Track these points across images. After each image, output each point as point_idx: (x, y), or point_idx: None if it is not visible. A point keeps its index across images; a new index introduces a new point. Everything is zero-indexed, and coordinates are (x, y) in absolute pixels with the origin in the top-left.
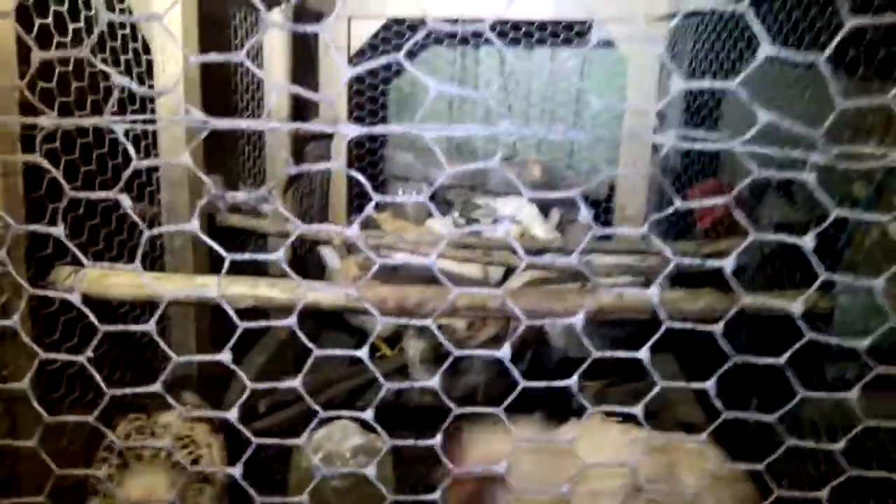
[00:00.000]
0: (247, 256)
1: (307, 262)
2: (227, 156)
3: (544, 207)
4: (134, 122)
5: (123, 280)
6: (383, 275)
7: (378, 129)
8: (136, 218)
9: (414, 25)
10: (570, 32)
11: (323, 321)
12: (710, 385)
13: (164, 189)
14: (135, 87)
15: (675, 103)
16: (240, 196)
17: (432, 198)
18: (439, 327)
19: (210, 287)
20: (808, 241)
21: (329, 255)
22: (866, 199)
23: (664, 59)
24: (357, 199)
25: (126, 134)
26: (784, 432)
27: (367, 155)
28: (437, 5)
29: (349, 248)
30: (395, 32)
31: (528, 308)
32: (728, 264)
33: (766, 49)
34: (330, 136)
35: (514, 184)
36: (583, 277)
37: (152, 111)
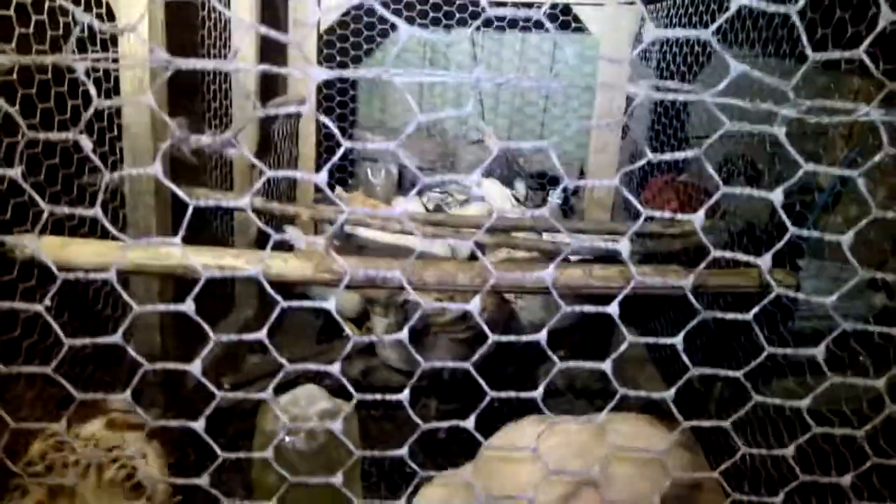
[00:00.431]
0: (211, 202)
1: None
2: (192, 101)
3: (509, 182)
4: (96, 60)
5: (85, 249)
6: (350, 251)
7: (348, 73)
8: (96, 161)
9: (386, 3)
10: (541, 15)
11: (287, 299)
12: (677, 340)
13: (125, 136)
14: (96, 23)
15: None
16: (204, 139)
17: (400, 179)
18: (405, 304)
19: (173, 256)
20: (777, 196)
21: (294, 233)
22: (830, 187)
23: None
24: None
25: (87, 74)
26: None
27: (334, 136)
28: None
29: (316, 228)
30: (365, 11)
31: (498, 281)
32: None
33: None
34: (298, 117)
35: (482, 164)
36: (555, 257)
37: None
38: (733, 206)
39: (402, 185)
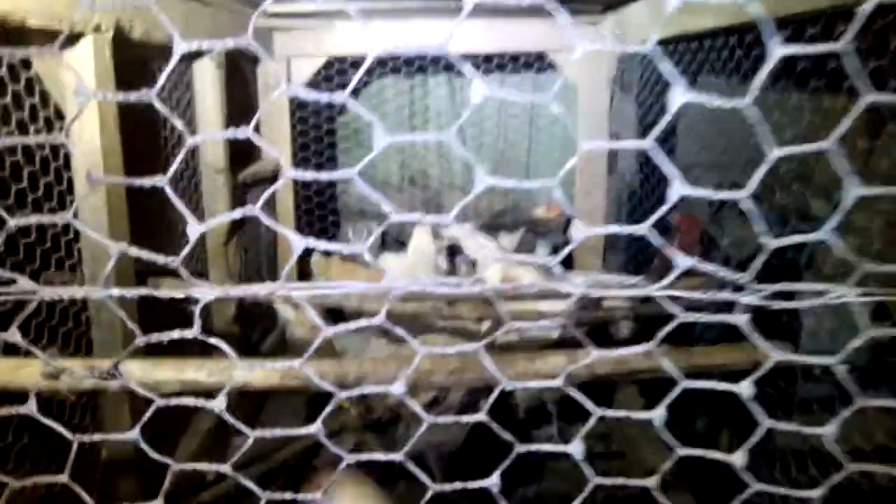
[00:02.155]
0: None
1: (256, 312)
2: (158, 215)
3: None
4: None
5: (34, 370)
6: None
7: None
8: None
9: (357, 62)
10: (517, 63)
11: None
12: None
13: (85, 262)
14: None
15: (630, 126)
16: (79, 372)
17: (384, 236)
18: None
19: (132, 374)
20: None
21: (282, 305)
22: (824, 217)
23: (614, 87)
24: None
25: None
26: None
27: (315, 195)
28: (379, 41)
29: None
30: (337, 70)
31: (488, 376)
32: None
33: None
34: (274, 179)
35: (468, 213)
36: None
37: (69, 179)
38: (727, 241)
39: (386, 242)
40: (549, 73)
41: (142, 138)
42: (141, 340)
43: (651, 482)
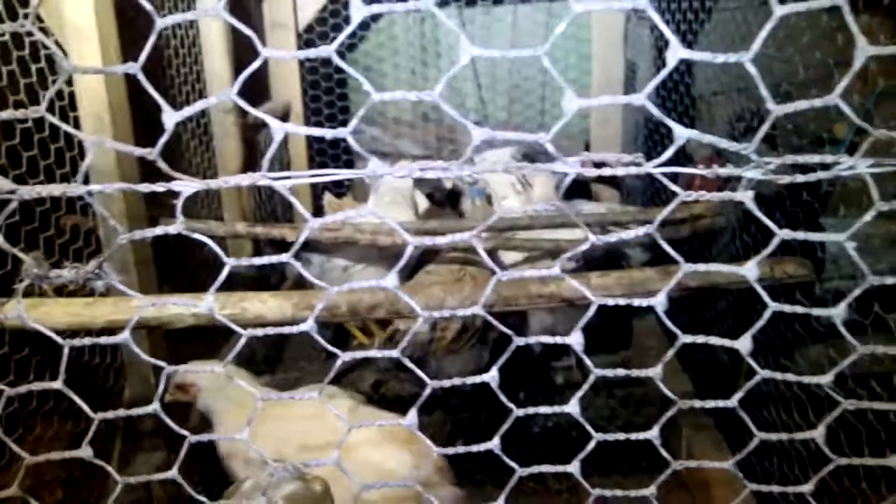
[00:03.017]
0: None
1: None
2: (172, 151)
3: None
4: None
5: (56, 310)
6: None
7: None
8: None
9: None
10: None
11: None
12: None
13: (92, 179)
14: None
15: (645, 52)
16: (65, 274)
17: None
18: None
19: (146, 312)
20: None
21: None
22: (847, 139)
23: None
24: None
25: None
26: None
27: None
28: None
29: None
30: (343, 3)
31: (491, 301)
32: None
33: None
34: (285, 119)
35: (482, 148)
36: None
37: (75, 119)
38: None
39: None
40: (561, 3)
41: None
42: (123, 238)
43: (654, 372)
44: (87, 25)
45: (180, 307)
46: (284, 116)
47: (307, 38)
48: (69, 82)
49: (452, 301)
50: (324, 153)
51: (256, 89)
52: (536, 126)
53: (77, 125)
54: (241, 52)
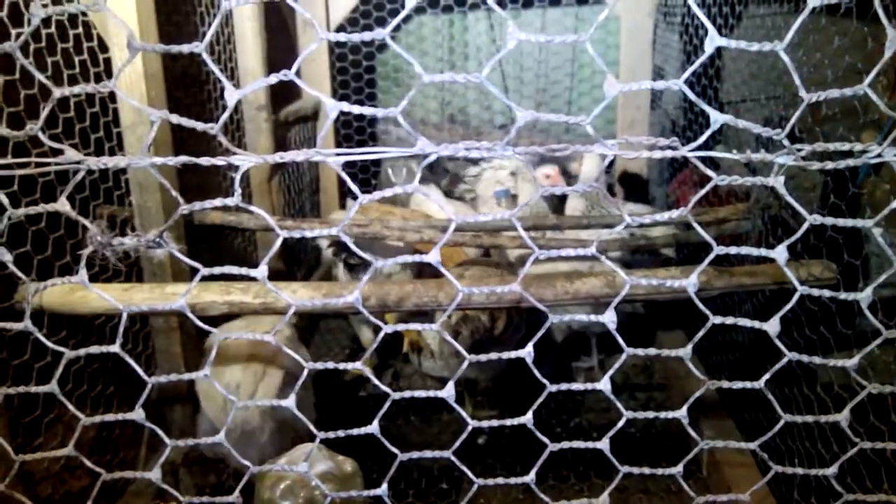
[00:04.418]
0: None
1: (299, 248)
2: (207, 145)
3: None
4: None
5: (89, 295)
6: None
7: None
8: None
9: None
10: None
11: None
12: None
13: (133, 192)
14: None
15: (674, 58)
16: (127, 242)
17: (430, 169)
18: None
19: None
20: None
21: (324, 242)
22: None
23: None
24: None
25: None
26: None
27: (355, 133)
28: None
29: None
30: (375, 5)
31: (516, 299)
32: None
33: None
34: (315, 117)
35: (510, 150)
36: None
37: (114, 111)
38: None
39: (423, 179)
40: (591, 5)
41: (183, 73)
42: (184, 208)
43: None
44: (128, 20)
45: (216, 293)
46: (314, 116)
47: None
48: (109, 74)
49: (479, 297)
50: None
51: (287, 88)
52: (563, 130)
53: (116, 118)
54: (274, 51)
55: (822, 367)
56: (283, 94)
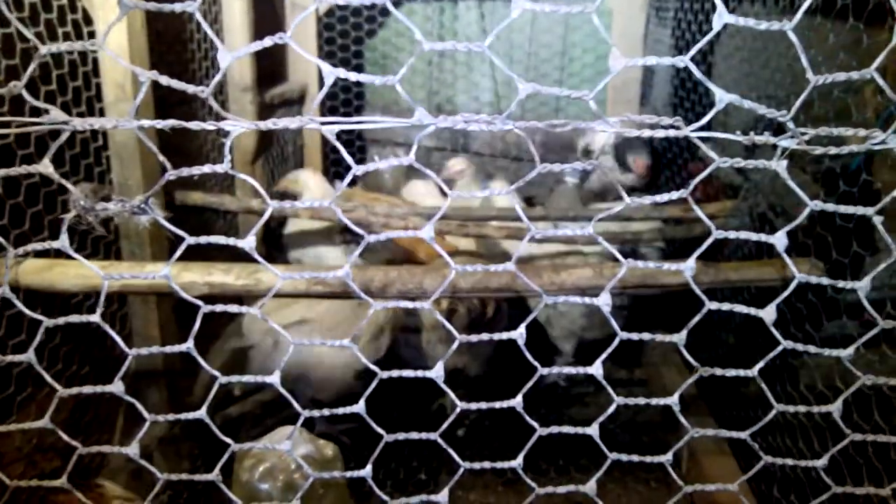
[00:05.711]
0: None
1: (280, 234)
2: (185, 102)
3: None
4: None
5: (68, 271)
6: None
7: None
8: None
9: None
10: None
11: None
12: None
13: (114, 167)
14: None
15: (664, 54)
16: (111, 207)
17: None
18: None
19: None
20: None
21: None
22: (862, 150)
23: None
24: (333, 167)
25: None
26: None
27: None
28: None
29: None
30: None
31: (502, 285)
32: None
33: None
34: (301, 101)
35: (496, 145)
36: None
37: (97, 85)
38: (754, 184)
39: (412, 169)
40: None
41: (170, 48)
42: (171, 173)
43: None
44: None
45: (196, 273)
46: (300, 99)
47: (327, 21)
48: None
49: (465, 283)
50: (337, 137)
51: (273, 70)
52: (553, 115)
53: (98, 93)
54: (262, 30)
55: (805, 368)
56: (268, 76)
